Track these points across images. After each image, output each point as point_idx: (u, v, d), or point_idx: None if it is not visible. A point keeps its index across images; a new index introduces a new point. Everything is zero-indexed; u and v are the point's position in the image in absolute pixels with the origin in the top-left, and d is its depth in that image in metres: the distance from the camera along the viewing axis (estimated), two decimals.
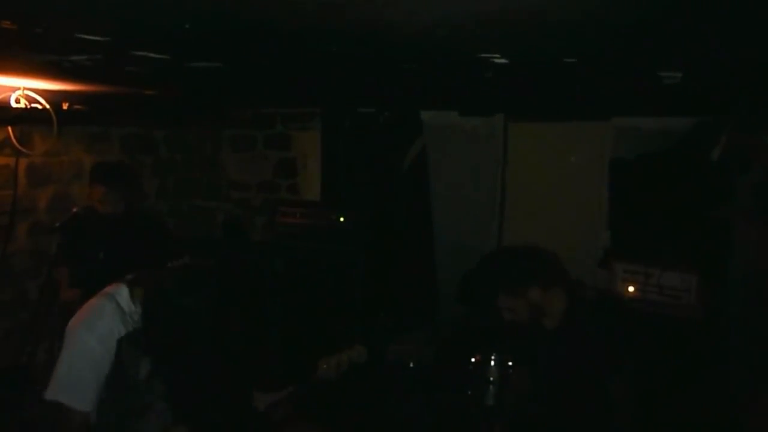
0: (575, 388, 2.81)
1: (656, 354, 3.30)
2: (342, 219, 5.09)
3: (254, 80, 3.50)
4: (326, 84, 3.55)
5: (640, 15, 1.67)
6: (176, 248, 3.80)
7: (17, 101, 3.66)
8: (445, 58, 2.43)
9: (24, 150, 4.20)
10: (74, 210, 3.97)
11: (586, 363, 2.77)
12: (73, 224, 3.99)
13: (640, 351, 2.90)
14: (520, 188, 5.37)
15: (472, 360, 3.23)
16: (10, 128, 4.09)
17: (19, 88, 3.63)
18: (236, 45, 2.33)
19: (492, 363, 3.07)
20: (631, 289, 4.31)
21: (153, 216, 4.77)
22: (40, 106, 3.79)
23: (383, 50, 2.30)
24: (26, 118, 3.87)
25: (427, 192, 5.47)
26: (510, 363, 3.04)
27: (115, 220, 3.93)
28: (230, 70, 3.00)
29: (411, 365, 3.66)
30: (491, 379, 3.05)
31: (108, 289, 2.36)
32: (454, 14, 1.64)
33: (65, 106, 4.18)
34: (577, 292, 2.97)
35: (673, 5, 1.56)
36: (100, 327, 2.25)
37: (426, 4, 1.54)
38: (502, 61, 2.33)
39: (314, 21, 1.78)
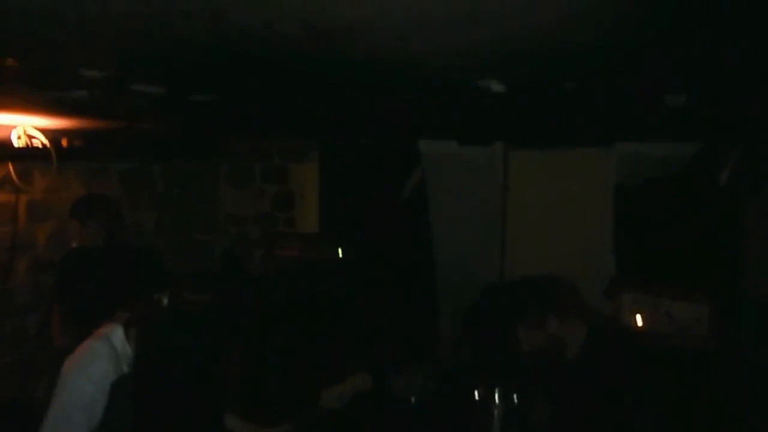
0: (595, 420, 2.78)
1: (668, 389, 3.25)
2: (341, 251, 5.11)
3: (251, 112, 3.56)
4: (323, 114, 3.60)
5: (641, 37, 1.70)
6: (169, 280, 3.79)
7: (18, 138, 3.74)
8: (441, 87, 2.47)
9: (24, 186, 4.26)
10: (72, 246, 4.03)
11: (607, 394, 2.75)
12: (65, 261, 4.04)
13: (654, 384, 2.87)
14: (523, 218, 5.36)
15: (476, 394, 3.22)
16: (10, 165, 4.15)
17: (19, 126, 3.71)
18: (232, 77, 2.38)
19: (496, 397, 3.07)
20: (639, 319, 4.21)
21: (140, 247, 4.76)
22: (40, 143, 3.87)
23: (379, 79, 2.34)
24: (26, 154, 3.95)
25: (426, 223, 5.50)
26: (515, 396, 3.02)
27: (97, 254, 3.92)
28: (227, 102, 3.06)
29: (413, 400, 3.64)
30: (496, 413, 3.03)
31: (103, 329, 2.37)
32: (449, 41, 1.68)
33: (64, 143, 4.26)
34: (596, 321, 2.95)
35: (672, 26, 1.60)
36: (94, 370, 2.26)
37: (420, 31, 1.59)
38: (500, 88, 2.36)
39: (309, 51, 1.84)
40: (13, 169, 4.16)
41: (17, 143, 3.79)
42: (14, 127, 3.72)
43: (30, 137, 3.79)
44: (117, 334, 2.34)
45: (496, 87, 2.37)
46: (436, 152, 5.41)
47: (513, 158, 5.35)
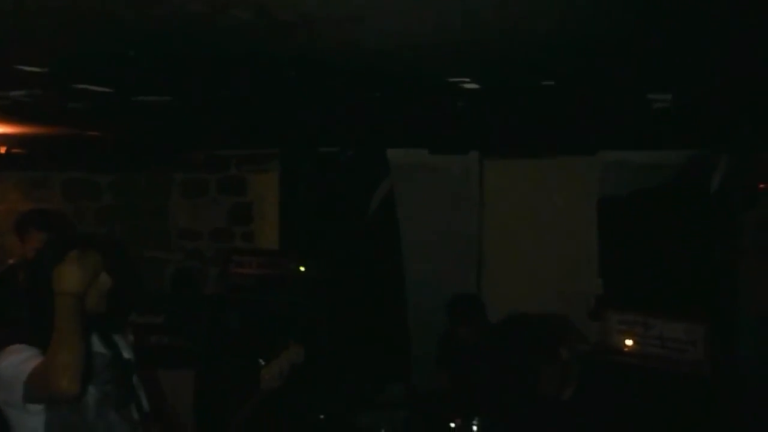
0: None
1: (660, 417, 3.22)
2: (302, 269, 5.08)
3: (206, 114, 3.52)
4: (284, 116, 3.58)
5: (624, 29, 1.71)
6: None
7: None
8: (412, 84, 2.46)
9: None
10: (10, 262, 3.90)
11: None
12: (7, 278, 3.92)
13: (645, 415, 2.87)
14: (500, 232, 5.35)
15: (452, 425, 3.22)
16: None
17: None
18: (183, 75, 2.36)
19: (475, 428, 3.07)
20: (628, 342, 4.08)
21: None
22: None
23: (344, 76, 2.33)
24: None
25: (396, 238, 5.48)
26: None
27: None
28: (180, 104, 3.03)
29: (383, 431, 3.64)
30: None
31: None
32: (417, 32, 1.68)
33: (2, 150, 4.18)
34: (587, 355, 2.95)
35: (657, 20, 1.62)
36: None
37: (388, 21, 1.59)
38: (473, 86, 2.37)
39: (269, 45, 1.82)
40: None
41: None
42: None
43: None
44: None
45: (469, 84, 2.37)
46: (406, 162, 5.37)
47: (489, 168, 5.33)
